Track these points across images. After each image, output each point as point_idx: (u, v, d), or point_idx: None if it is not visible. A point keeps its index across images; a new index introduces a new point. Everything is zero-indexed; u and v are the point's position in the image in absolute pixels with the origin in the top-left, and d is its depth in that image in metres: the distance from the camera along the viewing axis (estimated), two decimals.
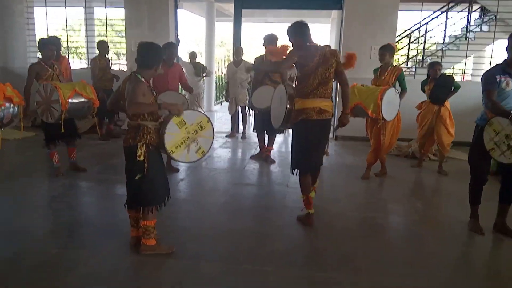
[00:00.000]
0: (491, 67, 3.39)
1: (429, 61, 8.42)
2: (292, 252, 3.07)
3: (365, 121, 5.02)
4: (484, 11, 8.57)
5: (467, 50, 7.60)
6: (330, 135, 7.72)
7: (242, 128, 7.64)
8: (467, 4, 8.06)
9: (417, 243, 3.39)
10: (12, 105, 3.67)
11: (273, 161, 5.67)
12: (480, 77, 3.37)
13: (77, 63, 12.08)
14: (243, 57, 7.30)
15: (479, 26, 8.34)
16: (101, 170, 5.11)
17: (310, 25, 3.46)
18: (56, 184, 4.46)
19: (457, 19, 8.50)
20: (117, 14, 8.54)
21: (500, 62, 3.28)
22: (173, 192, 3.03)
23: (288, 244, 3.18)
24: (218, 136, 7.07)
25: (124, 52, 8.31)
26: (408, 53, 8.45)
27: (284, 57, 3.65)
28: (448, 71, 8.57)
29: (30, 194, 4.20)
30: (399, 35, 8.23)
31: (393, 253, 3.13)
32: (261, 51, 5.55)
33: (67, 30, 9.02)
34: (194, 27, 20.49)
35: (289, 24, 3.46)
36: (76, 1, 9.73)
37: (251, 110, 6.87)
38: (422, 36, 8.36)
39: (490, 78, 3.23)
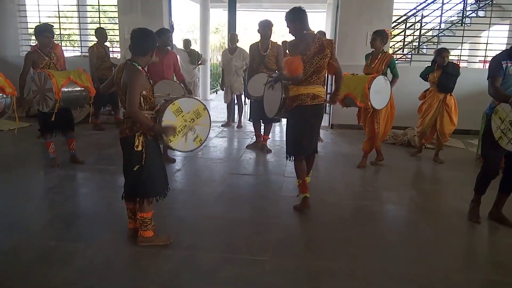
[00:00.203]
0: (498, 53, 3.29)
1: (425, 47, 8.41)
2: (288, 241, 3.09)
3: (358, 111, 5.02)
4: None
5: (463, 36, 7.57)
6: (326, 123, 7.77)
7: (238, 117, 7.61)
8: None
9: (413, 231, 3.42)
10: (4, 96, 3.62)
11: (269, 151, 5.67)
12: (489, 63, 3.37)
13: (70, 50, 11.90)
14: (238, 44, 7.22)
15: (475, 12, 8.29)
16: (97, 160, 5.09)
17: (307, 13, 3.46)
18: (52, 175, 4.44)
19: (453, 4, 8.45)
20: (110, 0, 8.39)
21: (509, 48, 3.21)
22: (170, 182, 3.02)
23: (285, 234, 3.20)
24: (214, 125, 7.03)
25: (118, 39, 8.21)
26: (404, 39, 8.40)
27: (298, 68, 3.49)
28: None
29: (26, 185, 4.19)
30: (395, 21, 8.17)
31: (389, 241, 3.16)
32: (256, 38, 5.50)
33: (59, 17, 8.87)
34: (188, 14, 20.25)
35: (287, 10, 3.48)
36: None
37: (246, 98, 6.84)
38: (418, 22, 8.31)
39: (495, 65, 3.18)
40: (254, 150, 5.75)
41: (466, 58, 10.38)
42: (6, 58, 8.22)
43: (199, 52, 8.80)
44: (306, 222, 3.51)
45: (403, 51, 8.52)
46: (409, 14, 8.38)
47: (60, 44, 7.26)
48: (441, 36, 8.15)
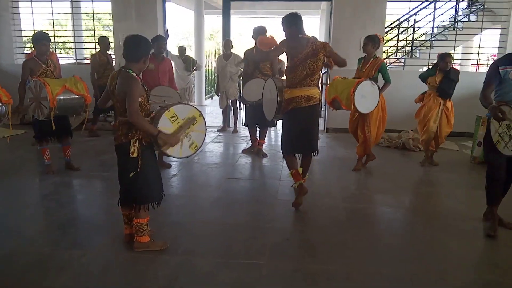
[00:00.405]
0: (499, 58, 3.27)
1: (418, 51, 8.49)
2: (285, 245, 3.09)
3: (349, 120, 5.07)
4: (471, 0, 8.62)
5: (455, 40, 7.66)
6: (321, 127, 7.80)
7: (234, 122, 7.63)
8: None
9: (409, 233, 3.44)
10: (0, 104, 3.62)
11: (265, 155, 5.69)
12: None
13: (65, 58, 11.88)
14: (233, 51, 7.26)
15: (467, 16, 8.39)
16: (92, 167, 5.08)
17: None
18: (47, 182, 4.42)
19: (445, 9, 8.56)
20: (104, 8, 8.41)
21: (510, 53, 3.19)
22: (165, 187, 3.03)
23: (281, 237, 3.21)
24: (209, 130, 7.05)
25: (112, 46, 8.22)
26: (397, 44, 8.48)
27: (274, 47, 3.79)
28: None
29: (21, 192, 4.17)
30: (388, 26, 8.26)
31: (385, 243, 3.17)
32: (251, 44, 5.53)
33: (53, 25, 8.87)
34: (182, 20, 20.30)
35: (281, 16, 3.65)
36: None
37: (241, 103, 6.86)
38: (411, 26, 8.40)
39: (491, 71, 3.16)
40: (250, 155, 5.76)
41: (459, 62, 10.48)
42: (0, 66, 8.20)
43: (194, 58, 8.82)
44: (302, 225, 3.52)
45: (396, 56, 8.60)
46: (402, 19, 8.47)
47: (55, 52, 7.25)
48: (434, 40, 8.24)
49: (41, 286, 2.49)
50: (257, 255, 2.89)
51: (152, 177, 2.81)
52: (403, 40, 8.59)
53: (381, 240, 3.24)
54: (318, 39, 3.71)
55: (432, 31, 8.29)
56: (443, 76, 5.00)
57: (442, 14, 8.64)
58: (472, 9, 8.40)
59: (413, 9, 8.29)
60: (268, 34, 5.38)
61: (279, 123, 4.25)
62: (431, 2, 8.00)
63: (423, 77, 5.24)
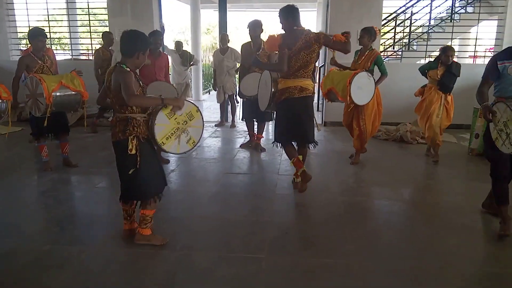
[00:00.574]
0: (498, 52, 3.14)
1: (415, 43, 8.48)
2: (284, 239, 3.10)
3: (343, 112, 5.08)
4: None
5: (452, 32, 7.65)
6: (319, 121, 7.80)
7: (231, 117, 7.62)
8: None
9: (408, 225, 3.45)
10: (0, 101, 3.61)
11: (263, 149, 5.68)
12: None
13: (61, 54, 11.81)
14: (230, 45, 7.23)
15: (464, 8, 8.37)
16: (90, 163, 5.06)
17: None
18: (45, 179, 4.41)
19: (442, 1, 8.53)
20: (100, 3, 8.35)
21: (509, 47, 3.08)
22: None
23: (280, 231, 3.21)
24: (207, 125, 7.02)
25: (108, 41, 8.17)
26: (394, 36, 8.46)
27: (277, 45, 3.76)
28: (433, 54, 8.63)
29: (19, 189, 4.16)
30: (385, 19, 8.23)
31: (383, 237, 3.19)
32: (248, 38, 5.51)
33: (48, 21, 8.81)
34: (179, 15, 20.18)
35: (277, 10, 3.72)
36: None
37: (239, 98, 6.84)
38: (408, 19, 8.38)
39: (489, 66, 3.08)
40: (248, 149, 5.76)
41: (456, 53, 10.45)
42: None
43: (191, 53, 8.78)
44: (301, 219, 3.53)
45: (393, 48, 8.59)
46: (398, 11, 8.44)
47: (51, 48, 7.20)
48: (431, 32, 8.22)
49: (40, 283, 2.49)
50: (256, 249, 2.90)
51: (152, 172, 2.80)
52: (400, 32, 8.57)
53: (380, 234, 3.25)
54: (311, 31, 3.71)
55: (429, 23, 8.27)
56: (444, 69, 4.94)
57: (439, 5, 8.62)
58: (469, 1, 8.37)
59: (410, 1, 8.27)
60: (263, 27, 5.40)
61: None
62: None
63: (423, 70, 5.20)
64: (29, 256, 2.78)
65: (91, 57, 9.86)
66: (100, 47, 6.84)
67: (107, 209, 3.59)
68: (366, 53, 4.75)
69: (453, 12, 8.03)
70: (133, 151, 2.67)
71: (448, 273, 2.67)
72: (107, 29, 7.89)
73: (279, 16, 3.71)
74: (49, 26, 8.61)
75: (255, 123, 5.79)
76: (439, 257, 2.86)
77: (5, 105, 3.66)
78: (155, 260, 2.75)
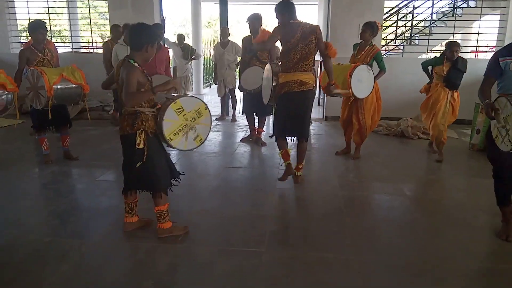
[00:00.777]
0: (499, 49, 3.05)
1: (417, 38, 8.44)
2: (284, 233, 3.11)
3: (341, 107, 5.07)
4: None
5: (454, 27, 7.61)
6: (320, 115, 7.80)
7: (232, 111, 7.60)
8: None
9: (408, 220, 3.45)
10: (6, 92, 3.60)
11: (264, 143, 5.68)
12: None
13: (61, 47, 11.78)
14: (230, 38, 7.19)
15: (466, 2, 8.32)
16: (91, 156, 5.06)
17: (298, 6, 3.76)
18: (46, 172, 4.42)
19: None
20: None
21: (510, 43, 3.00)
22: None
23: (280, 225, 3.23)
24: None
25: (109, 34, 8.14)
26: (396, 30, 8.42)
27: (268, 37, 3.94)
28: (435, 48, 8.59)
29: (20, 182, 4.16)
30: (387, 13, 8.18)
31: (383, 231, 3.19)
32: (248, 32, 5.48)
33: (49, 13, 8.77)
34: (179, 8, 20.10)
35: (277, 3, 3.75)
36: None
37: (239, 91, 6.83)
38: (409, 13, 8.33)
39: (491, 63, 2.99)
40: (249, 143, 5.76)
41: None
42: None
43: (192, 47, 8.75)
44: (301, 213, 3.53)
45: (395, 43, 8.55)
46: (400, 5, 8.39)
47: (52, 41, 7.18)
48: (433, 26, 8.18)
49: (41, 276, 2.49)
50: (256, 243, 2.90)
51: (159, 166, 2.81)
52: (402, 26, 8.53)
53: (380, 228, 3.25)
54: (308, 23, 3.73)
55: (431, 17, 8.22)
56: (450, 65, 4.81)
57: (441, 0, 8.56)
58: None
59: None
60: (263, 22, 5.41)
61: None
62: None
63: (426, 66, 5.10)
64: (29, 249, 2.79)
65: (91, 50, 9.86)
66: (108, 40, 6.82)
67: (108, 202, 3.59)
68: (366, 48, 4.72)
69: (456, 6, 7.98)
70: (141, 146, 2.68)
71: (448, 269, 2.67)
72: (107, 22, 7.86)
73: (275, 11, 3.75)
74: (49, 19, 8.59)
75: (256, 117, 5.78)
76: (438, 252, 2.86)
77: (12, 97, 3.66)
78: (156, 253, 2.76)
